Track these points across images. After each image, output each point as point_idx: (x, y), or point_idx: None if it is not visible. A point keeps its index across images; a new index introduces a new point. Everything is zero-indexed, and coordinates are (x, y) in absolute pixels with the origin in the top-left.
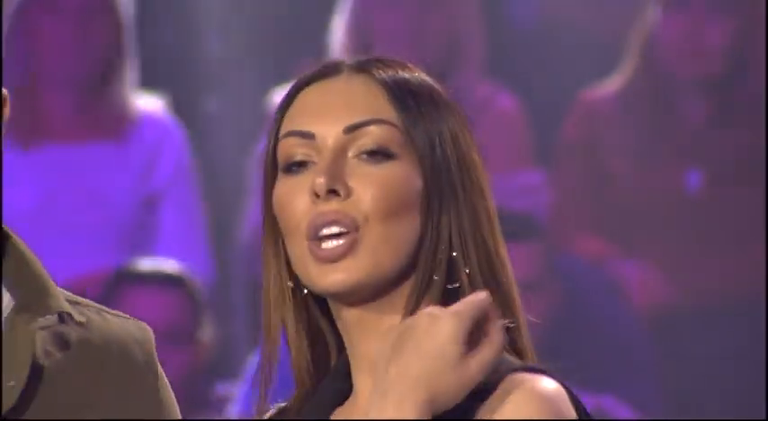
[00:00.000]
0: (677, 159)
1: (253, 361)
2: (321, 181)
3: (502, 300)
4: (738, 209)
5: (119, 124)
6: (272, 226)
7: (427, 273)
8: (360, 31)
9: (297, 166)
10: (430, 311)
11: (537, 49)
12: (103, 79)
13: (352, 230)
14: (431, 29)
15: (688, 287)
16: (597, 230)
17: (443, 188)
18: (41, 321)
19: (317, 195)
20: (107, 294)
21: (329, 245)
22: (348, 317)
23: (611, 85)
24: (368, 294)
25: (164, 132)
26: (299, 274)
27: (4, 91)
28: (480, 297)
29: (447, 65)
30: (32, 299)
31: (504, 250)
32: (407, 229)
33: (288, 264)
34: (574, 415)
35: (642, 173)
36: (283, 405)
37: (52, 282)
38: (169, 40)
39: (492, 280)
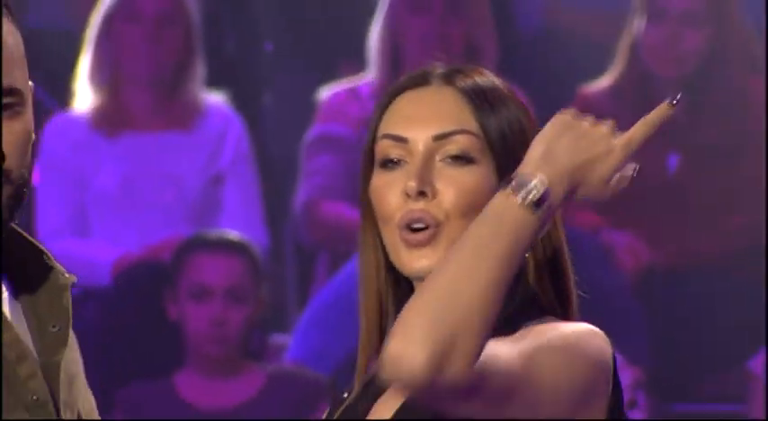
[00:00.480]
0: (659, 145)
1: (300, 316)
2: (413, 184)
3: (559, 289)
4: (711, 187)
5: (189, 116)
6: (368, 209)
7: None
8: (392, 35)
9: (392, 164)
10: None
11: (541, 52)
12: (176, 78)
13: (433, 226)
14: (453, 33)
15: (669, 252)
16: (593, 205)
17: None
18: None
19: (408, 195)
20: (179, 259)
21: (417, 235)
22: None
23: (604, 82)
24: None
25: (226, 122)
26: (391, 257)
27: (31, 83)
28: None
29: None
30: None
31: (563, 241)
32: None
33: (382, 244)
34: (605, 357)
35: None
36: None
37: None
38: (231, 44)
39: (554, 270)
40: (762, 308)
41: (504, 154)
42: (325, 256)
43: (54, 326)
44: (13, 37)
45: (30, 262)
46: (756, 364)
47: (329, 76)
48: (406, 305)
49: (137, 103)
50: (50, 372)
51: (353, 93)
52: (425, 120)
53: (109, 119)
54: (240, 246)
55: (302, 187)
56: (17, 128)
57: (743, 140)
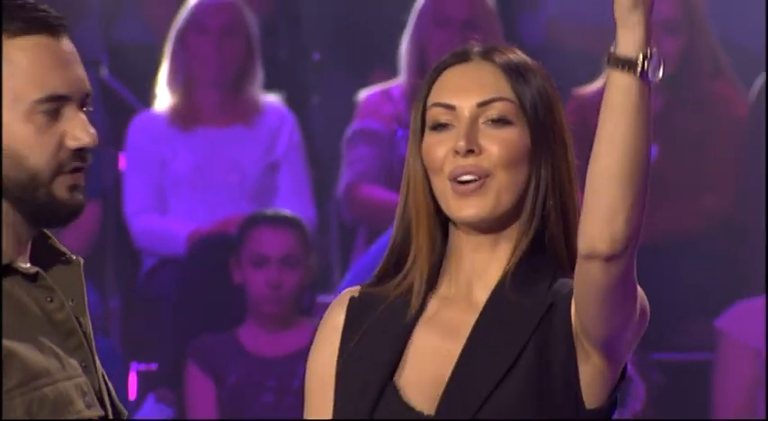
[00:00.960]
0: None
1: (342, 279)
2: (462, 144)
3: (569, 238)
4: (686, 172)
5: (250, 113)
6: (420, 164)
7: (531, 214)
8: (418, 45)
9: (441, 127)
10: None
11: (541, 60)
12: (238, 81)
13: (483, 177)
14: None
15: (652, 227)
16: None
17: (544, 147)
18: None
19: (458, 153)
20: (242, 233)
21: (466, 186)
22: (469, 239)
23: (597, 84)
24: (489, 225)
25: (281, 119)
26: (441, 204)
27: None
28: None
29: None
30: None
31: (576, 195)
32: (521, 179)
33: (431, 191)
34: None
35: None
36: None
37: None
38: (284, 53)
39: (570, 223)
40: (728, 274)
41: (536, 117)
42: (363, 230)
43: (72, 300)
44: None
45: (38, 245)
46: (722, 322)
47: (366, 80)
48: (592, 187)
49: (206, 102)
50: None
51: (386, 94)
52: (469, 90)
53: (183, 116)
54: (293, 221)
55: (344, 173)
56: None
57: (710, 133)
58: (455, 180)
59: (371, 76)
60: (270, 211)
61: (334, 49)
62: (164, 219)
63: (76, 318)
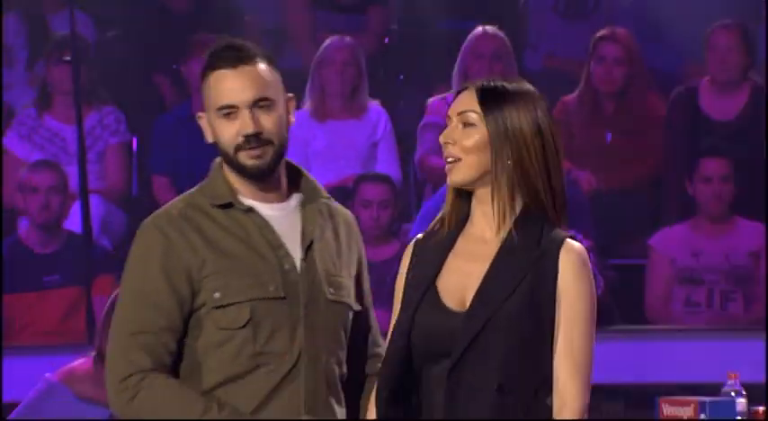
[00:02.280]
0: (599, 125)
1: (416, 214)
2: (441, 138)
3: (557, 202)
4: (628, 149)
5: (360, 111)
6: None
7: (495, 180)
8: (462, 71)
9: (446, 127)
10: None
11: (539, 84)
12: (353, 92)
13: (458, 159)
14: (495, 70)
15: (606, 180)
16: (567, 158)
17: (502, 140)
18: (320, 197)
19: (448, 143)
20: (355, 186)
21: (449, 164)
22: (474, 196)
23: (575, 94)
24: (473, 187)
25: (379, 115)
26: None
27: (290, 95)
28: None
29: None
30: (313, 195)
31: (538, 174)
32: (484, 159)
33: None
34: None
35: (586, 131)
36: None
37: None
38: (381, 74)
39: (555, 192)
40: (655, 210)
41: (496, 130)
42: (429, 186)
43: (275, 233)
44: (269, 71)
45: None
46: (652, 240)
47: (430, 92)
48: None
49: (333, 105)
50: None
51: (444, 100)
52: (457, 104)
53: (319, 113)
54: (386, 178)
55: (417, 149)
56: (272, 116)
57: (642, 124)
58: (446, 161)
59: (435, 89)
60: (372, 173)
61: (412, 72)
62: None
63: (279, 247)
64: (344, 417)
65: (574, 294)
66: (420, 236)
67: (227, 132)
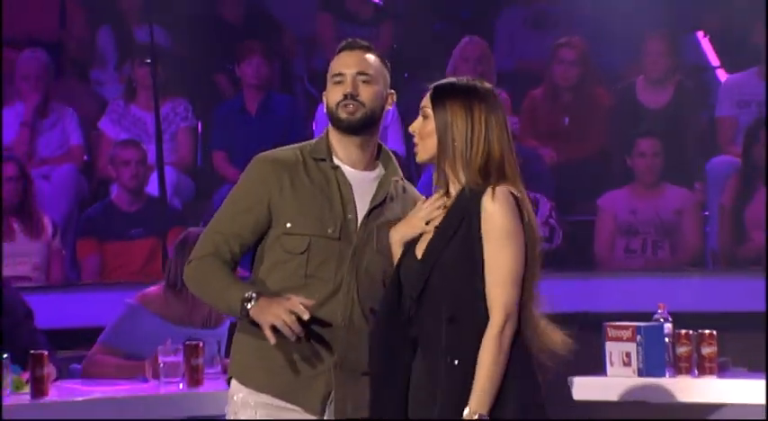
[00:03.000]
0: (559, 112)
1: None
2: (411, 130)
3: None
4: (581, 129)
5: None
6: None
7: (441, 159)
8: (453, 71)
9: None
10: None
11: (512, 81)
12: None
13: (416, 144)
14: (479, 72)
15: (568, 157)
16: (534, 137)
17: (447, 126)
18: (397, 177)
19: (413, 132)
20: None
21: (415, 148)
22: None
23: (539, 89)
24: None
25: (391, 116)
26: None
27: (392, 90)
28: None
29: None
30: (393, 173)
31: (465, 152)
32: (433, 142)
33: None
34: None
35: (549, 117)
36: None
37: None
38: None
39: (513, 160)
40: (601, 174)
41: (439, 120)
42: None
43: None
44: (376, 59)
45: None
46: (600, 201)
47: (428, 88)
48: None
49: None
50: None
51: None
52: (422, 101)
53: None
54: (395, 154)
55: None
56: (369, 88)
57: (594, 111)
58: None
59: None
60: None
61: (415, 71)
62: None
63: (349, 201)
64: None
65: (491, 219)
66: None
67: (334, 93)
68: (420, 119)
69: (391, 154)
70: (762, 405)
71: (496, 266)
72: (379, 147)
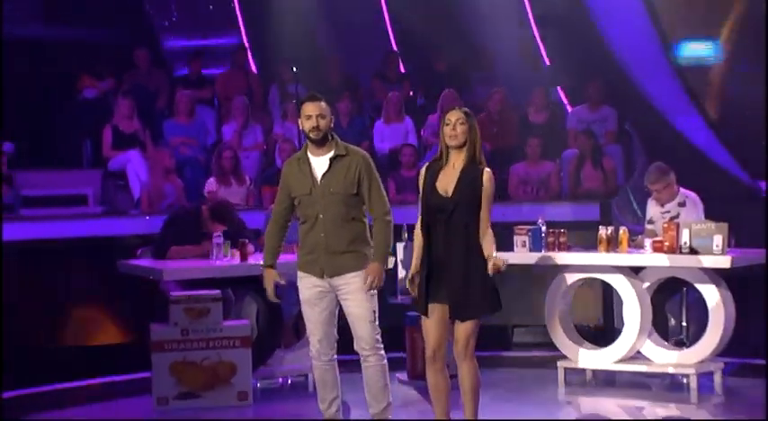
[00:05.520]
0: (492, 124)
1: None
2: (452, 130)
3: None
4: (505, 133)
5: (401, 119)
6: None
7: (467, 144)
8: (441, 105)
9: (448, 126)
10: None
11: (481, 102)
12: (400, 112)
13: (457, 136)
14: (458, 104)
15: (498, 145)
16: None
17: (470, 131)
18: (341, 153)
19: (455, 131)
20: (401, 149)
21: (453, 139)
22: (457, 149)
23: (483, 113)
24: (460, 147)
25: (408, 121)
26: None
27: (332, 116)
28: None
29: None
30: (339, 151)
31: (480, 145)
32: (465, 137)
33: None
34: None
35: (488, 128)
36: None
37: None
38: (409, 102)
39: (473, 154)
40: (512, 156)
41: (469, 126)
42: (429, 150)
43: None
44: (324, 104)
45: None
46: (512, 168)
47: (431, 112)
48: None
49: (392, 118)
50: None
51: (435, 115)
52: (453, 115)
53: (387, 120)
54: (413, 145)
55: (422, 133)
56: (323, 121)
57: (508, 124)
58: (451, 137)
59: (432, 111)
60: (407, 143)
61: (425, 101)
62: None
63: (311, 174)
64: (359, 240)
65: (485, 189)
66: (426, 165)
67: (308, 125)
68: (456, 124)
69: (338, 140)
70: None
71: (485, 205)
72: (329, 138)
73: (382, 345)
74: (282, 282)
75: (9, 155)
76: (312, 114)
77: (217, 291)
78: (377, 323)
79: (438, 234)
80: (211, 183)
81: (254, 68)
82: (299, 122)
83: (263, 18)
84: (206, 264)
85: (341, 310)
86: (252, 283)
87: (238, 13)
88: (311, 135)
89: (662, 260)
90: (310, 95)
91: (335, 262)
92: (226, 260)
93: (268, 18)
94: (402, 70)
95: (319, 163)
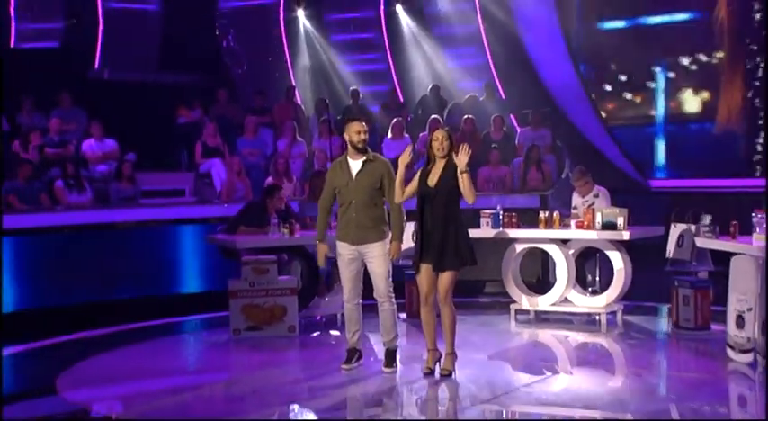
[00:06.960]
0: (464, 140)
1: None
2: (440, 145)
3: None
4: (473, 147)
5: (402, 136)
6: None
7: (450, 152)
8: (430, 125)
9: (433, 141)
10: None
11: (455, 122)
12: (401, 131)
13: (442, 149)
14: (441, 126)
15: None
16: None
17: (452, 145)
18: (370, 159)
19: (442, 146)
20: (401, 155)
21: (440, 152)
22: (440, 156)
23: (458, 134)
24: (444, 155)
25: (407, 138)
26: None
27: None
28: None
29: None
30: (368, 157)
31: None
32: (449, 149)
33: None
34: None
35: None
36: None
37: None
38: (407, 124)
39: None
40: (480, 160)
41: (450, 142)
42: (422, 157)
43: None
44: (364, 124)
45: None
46: (480, 170)
47: (422, 131)
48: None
49: (396, 135)
50: None
51: (425, 134)
52: (439, 134)
53: (396, 136)
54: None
55: (416, 145)
56: (366, 136)
57: (476, 141)
58: (437, 150)
59: (423, 129)
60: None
61: (418, 122)
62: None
63: (350, 172)
64: (379, 220)
65: (462, 178)
66: (420, 169)
67: (356, 137)
68: (443, 140)
69: (369, 150)
70: None
71: (470, 189)
72: (366, 149)
73: (394, 295)
74: (330, 255)
75: (132, 162)
76: (360, 130)
77: (273, 257)
78: (390, 280)
79: (427, 213)
80: (269, 182)
81: (299, 101)
82: (347, 135)
83: (304, 70)
84: (266, 237)
85: (365, 269)
86: (298, 251)
87: (289, 66)
88: (358, 145)
89: (583, 234)
90: (358, 117)
91: (362, 234)
92: (279, 235)
93: (310, 70)
94: (401, 101)
95: (355, 165)
